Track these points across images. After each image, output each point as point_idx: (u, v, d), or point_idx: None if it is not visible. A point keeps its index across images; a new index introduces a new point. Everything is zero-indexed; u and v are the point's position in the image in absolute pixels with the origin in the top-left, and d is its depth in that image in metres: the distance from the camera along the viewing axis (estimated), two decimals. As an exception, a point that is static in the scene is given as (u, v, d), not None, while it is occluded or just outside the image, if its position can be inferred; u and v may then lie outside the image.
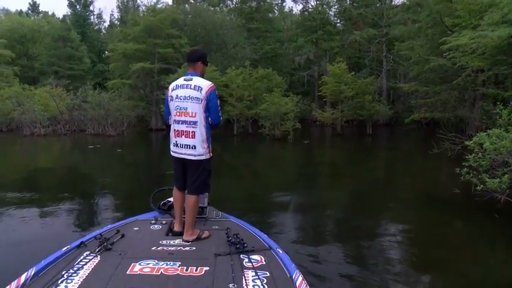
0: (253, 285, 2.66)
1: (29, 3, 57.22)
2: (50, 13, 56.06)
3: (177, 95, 3.65)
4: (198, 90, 3.57)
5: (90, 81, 33.68)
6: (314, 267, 4.72)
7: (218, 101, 3.70)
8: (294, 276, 2.77)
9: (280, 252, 3.24)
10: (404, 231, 6.55)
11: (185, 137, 3.61)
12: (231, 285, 2.65)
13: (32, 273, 2.76)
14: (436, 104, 21.22)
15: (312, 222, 7.12)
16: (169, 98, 3.75)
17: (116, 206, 8.05)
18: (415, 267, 5.04)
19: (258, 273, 2.82)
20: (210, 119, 3.70)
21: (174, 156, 3.76)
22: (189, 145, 3.60)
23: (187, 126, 3.60)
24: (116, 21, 54.11)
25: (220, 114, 3.74)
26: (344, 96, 23.85)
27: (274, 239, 3.78)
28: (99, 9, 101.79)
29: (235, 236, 3.47)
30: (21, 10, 55.67)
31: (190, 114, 3.58)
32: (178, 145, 3.66)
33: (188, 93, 3.58)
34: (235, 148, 20.56)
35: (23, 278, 2.70)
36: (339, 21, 38.90)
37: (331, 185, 10.91)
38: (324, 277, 4.50)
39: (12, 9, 57.81)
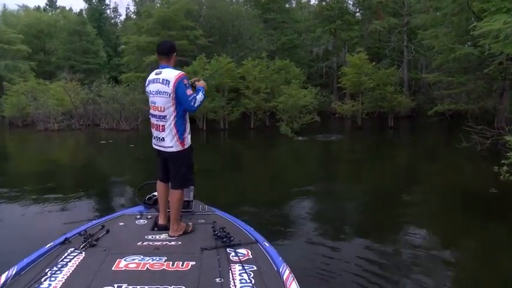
0: (240, 279, 2.62)
1: (47, -1, 57.25)
2: (67, 8, 56.05)
3: (150, 90, 3.63)
4: (165, 84, 3.50)
5: (106, 75, 33.38)
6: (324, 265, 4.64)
7: (187, 89, 3.53)
8: (281, 270, 2.74)
9: (267, 245, 3.21)
10: (429, 236, 5.93)
11: (155, 129, 3.64)
12: (217, 279, 2.61)
13: (14, 272, 2.67)
14: (461, 95, 20.28)
15: (326, 221, 6.83)
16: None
17: (115, 200, 7.95)
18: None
19: (245, 267, 2.79)
20: (183, 109, 3.59)
21: (154, 148, 3.77)
22: (159, 137, 3.61)
23: (157, 120, 3.61)
24: (132, 15, 53.74)
25: (192, 101, 3.53)
26: (364, 87, 22.93)
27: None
28: (115, 2, 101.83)
29: (221, 230, 3.43)
30: (39, 6, 55.77)
31: (159, 109, 3.56)
32: (155, 137, 3.68)
33: (157, 88, 3.55)
34: (252, 142, 19.97)
35: (3, 277, 2.60)
36: (357, 10, 37.87)
37: (351, 181, 10.24)
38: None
39: (31, 5, 57.79)
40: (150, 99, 3.63)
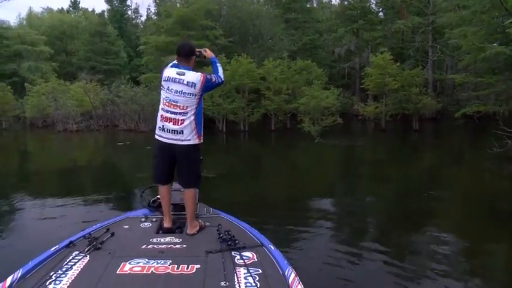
0: (245, 283, 2.59)
1: (70, 1, 57.79)
2: (89, 9, 56.64)
3: (168, 87, 3.59)
4: (192, 86, 3.55)
5: (125, 76, 33.35)
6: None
7: (212, 80, 3.69)
8: (286, 273, 2.71)
9: (272, 248, 3.16)
10: (455, 247, 5.40)
11: (173, 123, 3.58)
12: (222, 283, 2.58)
13: (19, 275, 2.66)
14: (489, 97, 19.48)
15: (343, 225, 6.57)
16: (161, 86, 3.69)
17: (122, 203, 7.76)
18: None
19: (250, 270, 2.75)
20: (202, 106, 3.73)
21: (159, 141, 3.67)
22: (177, 130, 3.57)
23: (175, 115, 3.58)
24: (153, 15, 53.92)
25: (218, 79, 3.76)
26: (388, 89, 22.20)
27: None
28: (136, 3, 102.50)
29: (226, 233, 3.37)
30: (62, 8, 56.39)
31: (181, 107, 3.57)
32: (165, 129, 3.61)
33: (181, 89, 3.55)
34: (273, 145, 19.52)
35: (8, 280, 2.59)
36: (380, 9, 37.15)
37: (374, 187, 9.63)
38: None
39: (54, 7, 58.51)
40: (167, 96, 3.59)
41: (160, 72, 3.82)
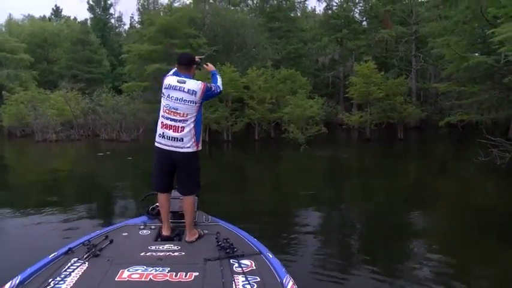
0: None
1: (52, 9, 57.11)
2: (72, 18, 55.76)
3: (168, 95, 3.69)
4: (192, 94, 3.65)
5: (108, 85, 32.82)
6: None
7: (212, 89, 3.81)
8: (284, 281, 2.73)
9: (271, 256, 3.19)
10: (444, 263, 5.19)
11: (173, 131, 3.64)
12: None
13: (17, 282, 2.67)
14: (472, 106, 19.56)
15: (330, 236, 6.49)
16: (161, 93, 3.79)
17: (99, 218, 7.46)
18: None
19: (248, 278, 2.77)
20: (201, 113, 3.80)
21: (159, 148, 3.74)
22: (177, 138, 3.64)
23: (175, 122, 3.65)
24: (137, 24, 53.45)
25: (217, 89, 3.91)
26: (373, 97, 22.14)
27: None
28: (120, 12, 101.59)
29: (225, 241, 3.40)
30: (44, 15, 55.58)
31: (181, 115, 3.65)
32: (165, 137, 3.68)
33: (181, 96, 3.64)
34: (257, 155, 19.23)
35: (6, 287, 2.60)
36: (364, 19, 37.31)
37: (361, 198, 9.48)
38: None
39: (36, 15, 57.37)
40: (168, 103, 3.68)
41: (161, 80, 3.89)
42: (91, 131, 25.07)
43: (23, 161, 17.09)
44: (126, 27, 57.83)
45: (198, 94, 3.66)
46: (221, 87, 3.99)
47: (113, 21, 56.30)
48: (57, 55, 42.07)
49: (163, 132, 3.69)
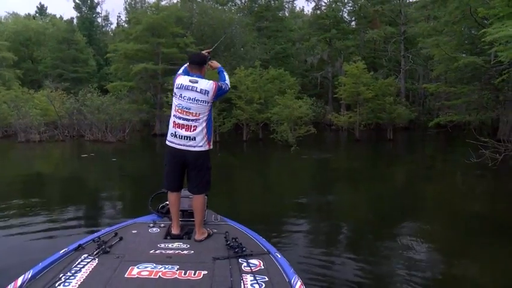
0: None
1: (37, 7, 56.17)
2: (58, 16, 54.87)
3: (181, 95, 3.70)
4: (205, 94, 3.67)
5: (94, 84, 32.29)
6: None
7: (222, 87, 3.80)
8: (292, 281, 2.73)
9: (279, 256, 3.20)
10: (431, 261, 5.17)
11: (185, 130, 3.67)
12: None
13: (29, 276, 2.73)
14: (460, 106, 19.53)
15: (317, 240, 6.29)
16: (173, 93, 3.80)
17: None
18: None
19: (257, 278, 2.78)
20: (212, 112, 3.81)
21: (171, 147, 3.74)
22: (189, 137, 3.66)
23: (188, 121, 3.67)
24: (124, 23, 52.85)
25: (226, 87, 3.88)
26: (362, 98, 21.98)
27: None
28: (106, 11, 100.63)
29: (233, 240, 3.43)
30: (29, 13, 54.60)
31: (193, 114, 3.67)
32: (178, 136, 3.69)
33: (194, 96, 3.66)
34: (245, 156, 18.93)
35: (19, 280, 2.66)
36: (353, 19, 37.26)
37: (353, 200, 9.19)
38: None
39: (22, 13, 56.31)
40: (180, 103, 3.69)
41: (173, 80, 3.89)
42: (76, 132, 24.60)
43: (1, 163, 16.53)
44: (113, 26, 57.25)
45: (211, 94, 3.69)
46: (229, 84, 3.99)
47: (99, 20, 55.85)
48: (42, 54, 41.28)
49: (175, 132, 3.70)
